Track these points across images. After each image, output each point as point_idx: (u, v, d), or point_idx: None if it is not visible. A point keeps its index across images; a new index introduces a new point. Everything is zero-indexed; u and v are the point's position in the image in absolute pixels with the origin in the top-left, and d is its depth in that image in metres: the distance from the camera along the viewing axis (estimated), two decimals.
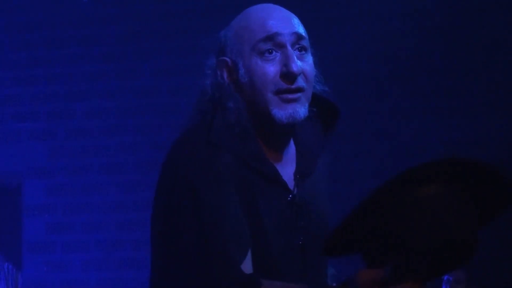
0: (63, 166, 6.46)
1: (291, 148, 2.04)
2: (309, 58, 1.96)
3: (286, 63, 1.90)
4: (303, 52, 1.94)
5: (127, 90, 6.48)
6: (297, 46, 1.93)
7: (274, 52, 1.91)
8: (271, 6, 2.00)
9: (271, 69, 1.91)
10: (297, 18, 2.00)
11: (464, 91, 6.11)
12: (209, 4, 6.22)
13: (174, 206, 1.88)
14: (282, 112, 1.91)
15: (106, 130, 6.43)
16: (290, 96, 1.90)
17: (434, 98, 6.16)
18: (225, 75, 1.96)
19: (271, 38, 1.91)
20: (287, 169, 2.00)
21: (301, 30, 1.96)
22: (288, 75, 1.89)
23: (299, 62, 1.91)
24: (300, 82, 1.91)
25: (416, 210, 1.51)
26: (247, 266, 1.90)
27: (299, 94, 1.91)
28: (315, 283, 1.96)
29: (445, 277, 5.40)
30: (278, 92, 1.90)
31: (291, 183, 2.00)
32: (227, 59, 1.95)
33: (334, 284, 1.84)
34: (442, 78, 6.16)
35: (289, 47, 1.91)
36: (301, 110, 1.92)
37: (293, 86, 1.90)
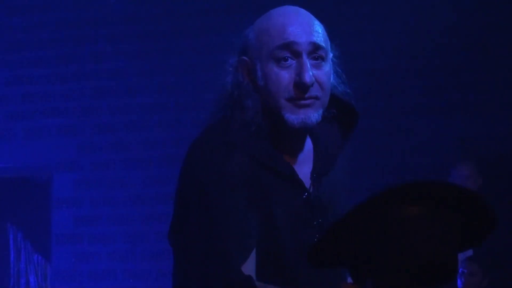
0: (91, 161, 6.49)
1: (308, 148, 2.03)
2: (326, 66, 1.95)
3: (299, 72, 1.90)
4: (320, 60, 1.93)
5: (151, 88, 6.49)
6: (313, 55, 1.92)
7: (289, 60, 1.91)
8: (292, 10, 1.98)
9: (285, 76, 1.92)
10: (318, 23, 1.98)
11: (481, 88, 6.08)
12: (232, 2, 6.23)
13: (184, 204, 1.93)
14: (294, 116, 1.92)
15: (131, 126, 6.46)
16: (303, 102, 1.91)
17: (451, 95, 6.14)
18: (245, 74, 1.98)
19: (288, 46, 1.91)
20: (304, 169, 2.00)
21: (320, 38, 1.94)
22: (300, 85, 1.90)
23: (314, 71, 1.91)
24: (313, 91, 1.92)
25: (399, 230, 1.49)
26: (248, 268, 1.90)
27: (312, 100, 1.92)
28: (329, 283, 1.92)
29: (460, 270, 5.36)
30: (291, 99, 1.92)
31: (307, 182, 1.99)
32: (247, 59, 1.97)
33: None
34: (459, 74, 6.13)
35: (304, 57, 1.90)
36: (313, 115, 1.92)
37: (306, 96, 1.91)
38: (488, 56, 6.02)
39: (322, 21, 2.00)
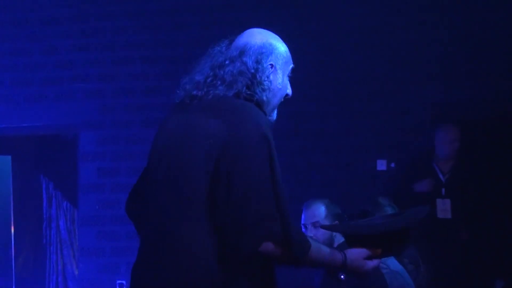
0: (112, 120, 6.62)
1: None
2: None
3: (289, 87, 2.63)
4: None
5: (165, 58, 6.56)
6: None
7: None
8: None
9: (289, 86, 2.63)
10: None
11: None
12: None
13: (268, 147, 2.32)
14: (274, 113, 2.62)
15: (147, 90, 6.58)
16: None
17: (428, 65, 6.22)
18: (271, 71, 2.56)
19: (292, 69, 2.64)
20: None
21: None
22: (288, 94, 2.63)
23: None
24: None
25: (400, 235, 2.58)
26: None
27: None
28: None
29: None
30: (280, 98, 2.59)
31: None
32: (274, 63, 2.56)
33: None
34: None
35: None
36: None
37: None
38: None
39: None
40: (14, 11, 6.79)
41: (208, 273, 2.30)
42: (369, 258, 2.50)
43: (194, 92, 2.52)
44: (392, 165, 6.22)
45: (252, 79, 2.50)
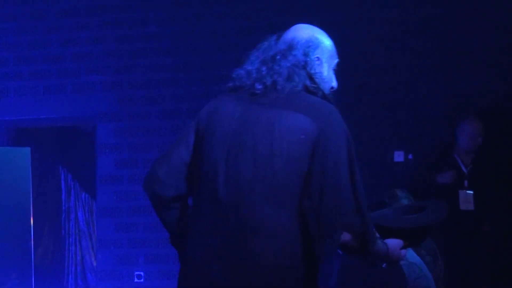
0: (129, 112, 6.66)
1: None
2: None
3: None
4: None
5: (180, 50, 6.62)
6: None
7: None
8: None
9: (334, 79, 2.77)
10: None
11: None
12: None
13: (350, 145, 2.53)
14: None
15: (164, 82, 6.61)
16: None
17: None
18: (317, 64, 2.69)
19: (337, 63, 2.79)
20: None
21: None
22: (333, 87, 2.77)
23: None
24: None
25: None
26: None
27: None
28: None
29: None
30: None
31: None
32: (320, 57, 2.69)
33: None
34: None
35: None
36: None
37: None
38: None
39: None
40: (32, 3, 6.84)
41: (292, 257, 2.47)
42: (403, 248, 2.72)
43: (257, 86, 2.64)
44: (410, 156, 6.21)
45: (306, 72, 2.66)
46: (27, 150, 6.31)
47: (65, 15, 6.78)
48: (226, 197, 2.53)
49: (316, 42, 2.71)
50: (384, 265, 2.82)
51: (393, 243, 2.67)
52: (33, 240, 6.26)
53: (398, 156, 6.21)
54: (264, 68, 2.65)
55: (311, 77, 2.65)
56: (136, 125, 6.68)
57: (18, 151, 6.38)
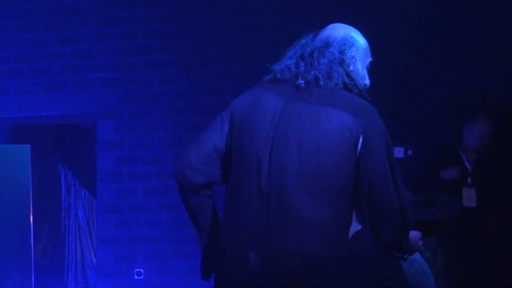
0: (129, 109, 6.69)
1: None
2: None
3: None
4: None
5: (182, 47, 6.65)
6: None
7: None
8: None
9: (367, 77, 2.84)
10: None
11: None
12: None
13: (389, 144, 2.68)
14: None
15: (165, 78, 6.64)
16: None
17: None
18: (352, 62, 2.78)
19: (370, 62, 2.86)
20: None
21: None
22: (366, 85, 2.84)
23: None
24: None
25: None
26: None
27: None
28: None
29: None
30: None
31: None
32: (354, 55, 2.78)
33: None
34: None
35: None
36: None
37: None
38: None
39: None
40: (32, 1, 6.87)
41: (331, 248, 2.57)
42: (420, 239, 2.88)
43: (300, 81, 2.71)
44: (410, 152, 6.20)
45: (343, 69, 2.76)
46: (27, 147, 6.31)
47: (65, 12, 6.81)
48: (268, 187, 2.59)
49: (352, 40, 2.80)
50: (406, 256, 2.90)
51: (413, 235, 2.78)
52: (33, 238, 6.27)
53: (398, 153, 6.21)
54: (302, 64, 2.74)
55: (348, 74, 2.74)
56: (136, 122, 6.71)
57: (18, 149, 6.38)
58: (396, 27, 6.35)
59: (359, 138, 2.60)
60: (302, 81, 2.70)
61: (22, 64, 6.82)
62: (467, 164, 5.97)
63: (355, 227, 3.81)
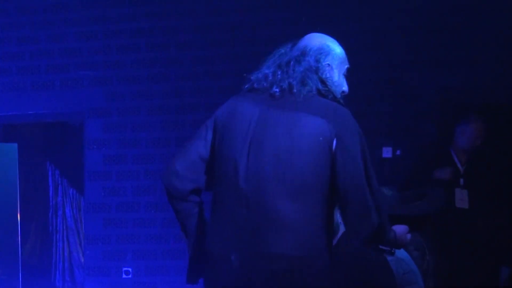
0: (117, 108, 6.64)
1: None
2: None
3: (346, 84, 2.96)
4: None
5: (171, 45, 6.60)
6: None
7: None
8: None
9: (345, 84, 2.94)
10: None
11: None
12: None
13: (364, 145, 2.76)
14: None
15: (153, 77, 6.60)
16: None
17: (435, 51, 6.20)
18: (328, 69, 2.88)
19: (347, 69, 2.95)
20: None
21: None
22: (344, 91, 2.94)
23: None
24: None
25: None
26: None
27: None
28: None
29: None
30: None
31: None
32: (330, 63, 2.88)
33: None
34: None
35: None
36: None
37: None
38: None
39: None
40: None
41: (308, 249, 2.65)
42: (408, 233, 2.98)
43: (274, 89, 2.83)
44: (398, 152, 6.19)
45: (318, 76, 2.88)
46: (14, 146, 6.31)
47: (53, 10, 6.77)
48: (246, 190, 2.71)
49: (327, 49, 2.92)
50: (393, 250, 3.03)
51: (400, 229, 2.92)
52: (20, 236, 6.26)
53: (387, 152, 6.20)
54: (279, 72, 2.87)
55: (322, 81, 2.85)
56: (125, 120, 6.68)
57: (5, 147, 6.38)
58: (384, 26, 6.33)
59: (333, 140, 2.70)
60: (277, 89, 2.82)
61: (10, 62, 6.78)
62: (459, 165, 5.96)
63: (343, 228, 3.81)
